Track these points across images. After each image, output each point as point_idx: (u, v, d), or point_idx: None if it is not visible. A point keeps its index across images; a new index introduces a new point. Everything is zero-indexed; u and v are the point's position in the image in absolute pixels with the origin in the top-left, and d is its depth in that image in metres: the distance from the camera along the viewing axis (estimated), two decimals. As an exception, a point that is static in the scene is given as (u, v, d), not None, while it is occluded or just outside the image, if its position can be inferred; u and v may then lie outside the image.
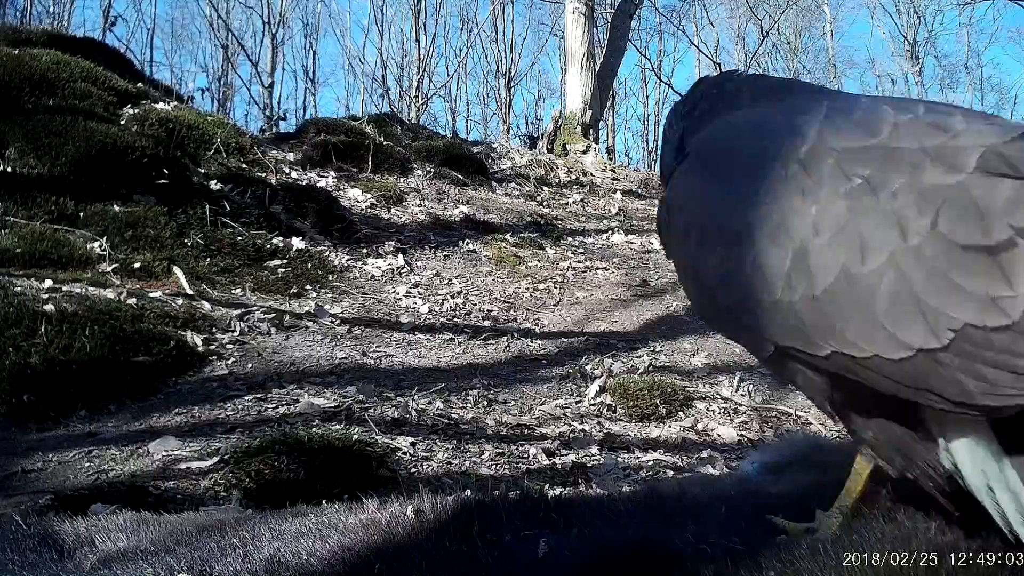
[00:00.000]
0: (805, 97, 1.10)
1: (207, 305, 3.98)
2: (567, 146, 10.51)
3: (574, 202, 8.31)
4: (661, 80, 24.58)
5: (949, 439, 0.84)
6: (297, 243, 5.25)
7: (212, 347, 3.58)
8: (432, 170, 7.86)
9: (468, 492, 1.63)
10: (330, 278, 4.96)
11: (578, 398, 3.57)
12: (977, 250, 0.73)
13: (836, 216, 0.83)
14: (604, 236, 7.11)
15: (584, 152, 10.33)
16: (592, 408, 3.47)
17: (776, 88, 1.17)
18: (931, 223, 0.76)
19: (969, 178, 0.76)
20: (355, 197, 6.67)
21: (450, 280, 5.36)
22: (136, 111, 6.33)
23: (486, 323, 4.64)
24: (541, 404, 3.45)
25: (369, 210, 6.50)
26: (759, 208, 0.90)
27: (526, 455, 2.83)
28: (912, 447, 0.88)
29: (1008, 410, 0.73)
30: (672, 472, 2.76)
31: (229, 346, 3.64)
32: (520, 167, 9.12)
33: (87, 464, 2.48)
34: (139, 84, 7.24)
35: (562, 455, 2.84)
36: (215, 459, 2.45)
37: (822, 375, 0.90)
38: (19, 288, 3.45)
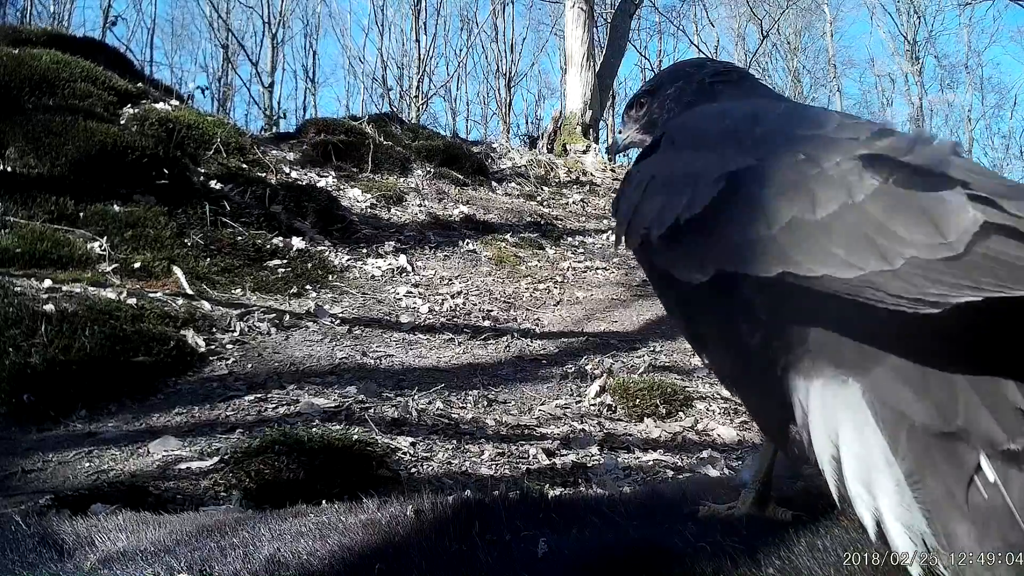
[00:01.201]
0: (768, 98, 1.26)
1: (207, 305, 3.98)
2: (567, 146, 10.52)
3: (574, 202, 8.31)
4: (661, 80, 24.53)
5: (808, 391, 0.91)
6: (297, 243, 5.25)
7: (212, 347, 3.58)
8: (432, 170, 7.86)
9: (468, 492, 1.63)
10: (330, 278, 4.96)
11: (578, 398, 3.57)
12: (917, 206, 0.85)
13: (785, 178, 0.94)
14: (604, 236, 7.11)
15: (584, 152, 10.33)
16: (592, 408, 3.47)
17: (747, 88, 1.33)
18: (875, 184, 0.88)
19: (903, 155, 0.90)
20: (355, 197, 6.67)
21: (450, 280, 5.36)
22: (136, 111, 6.33)
23: (486, 323, 4.64)
24: (541, 404, 3.45)
25: (369, 210, 6.50)
26: (712, 161, 1.02)
27: (526, 455, 2.83)
28: (773, 397, 0.96)
29: (940, 306, 0.80)
30: (672, 472, 2.76)
31: (229, 346, 3.64)
32: (520, 167, 9.12)
33: (87, 464, 2.48)
34: (139, 84, 7.24)
35: (562, 455, 2.84)
36: (215, 459, 2.45)
37: (743, 306, 0.99)
38: (19, 288, 3.45)
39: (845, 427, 0.87)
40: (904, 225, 0.85)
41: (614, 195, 1.30)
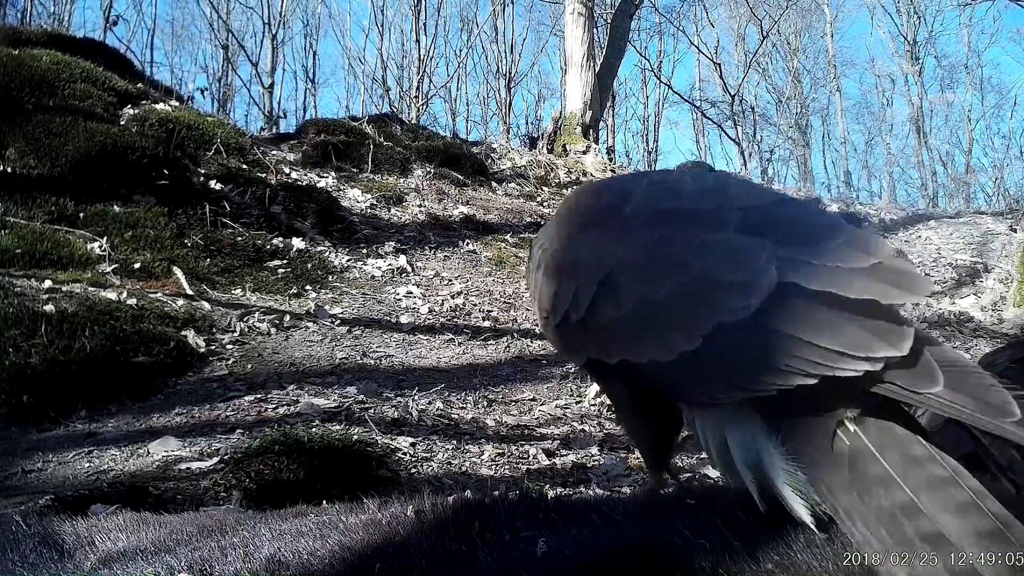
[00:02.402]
0: (640, 176, 1.41)
1: (207, 305, 3.98)
2: (567, 146, 10.52)
3: (574, 202, 8.31)
4: (661, 80, 24.60)
5: (702, 423, 1.07)
6: (297, 243, 5.25)
7: (212, 347, 3.58)
8: (432, 170, 7.86)
9: (468, 492, 1.63)
10: (330, 278, 4.96)
11: (578, 398, 3.56)
12: (733, 282, 0.98)
13: (642, 257, 1.08)
14: (604, 236, 7.11)
15: (584, 152, 10.34)
16: (592, 408, 3.47)
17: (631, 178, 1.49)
18: (701, 266, 1.02)
19: (730, 233, 1.04)
20: (355, 197, 6.67)
21: (450, 280, 5.36)
22: (136, 111, 6.33)
23: (486, 323, 4.64)
24: (541, 404, 3.45)
25: (369, 210, 6.50)
26: (588, 249, 1.16)
27: (526, 455, 2.83)
28: (661, 429, 1.17)
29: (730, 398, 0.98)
30: (672, 472, 2.75)
31: (229, 346, 3.64)
32: (520, 167, 9.12)
33: (87, 464, 2.48)
34: (139, 84, 7.24)
35: (562, 455, 2.84)
36: (215, 459, 2.45)
37: (614, 380, 1.18)
38: (19, 288, 3.45)
39: (730, 427, 1.01)
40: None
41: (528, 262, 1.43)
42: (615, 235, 1.13)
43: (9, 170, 4.81)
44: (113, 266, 4.16)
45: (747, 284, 0.96)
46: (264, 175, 6.35)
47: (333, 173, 7.16)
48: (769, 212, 1.07)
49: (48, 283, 3.62)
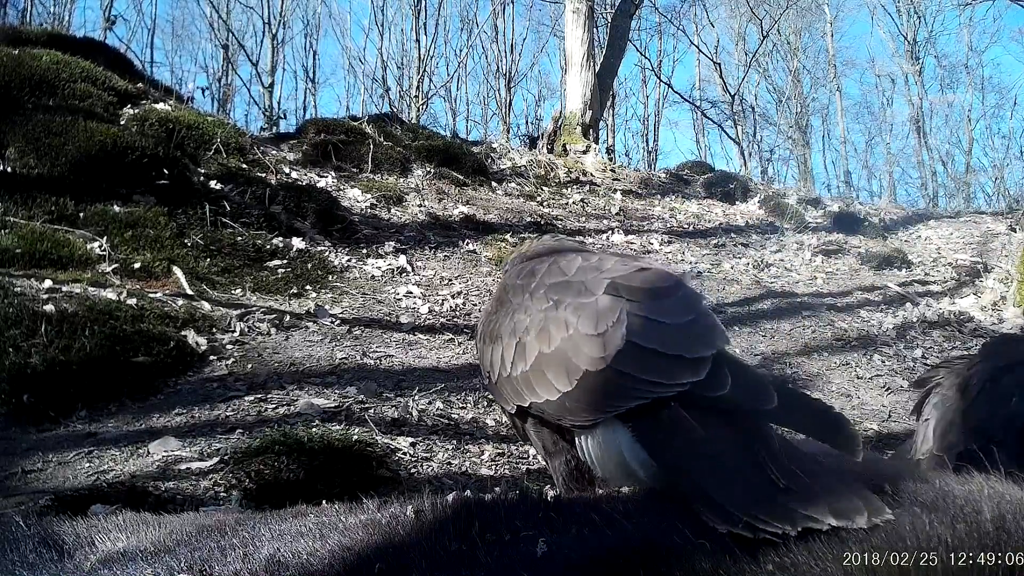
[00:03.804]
0: (551, 257, 1.70)
1: (207, 305, 3.98)
2: (567, 146, 10.51)
3: (574, 202, 8.31)
4: (661, 80, 24.59)
5: (584, 439, 1.39)
6: (297, 243, 5.25)
7: (212, 347, 3.58)
8: (432, 170, 7.86)
9: (468, 492, 1.63)
10: (330, 278, 4.96)
11: (578, 398, 3.56)
12: (591, 335, 1.35)
13: (539, 322, 1.45)
14: (604, 236, 7.11)
15: (584, 152, 10.33)
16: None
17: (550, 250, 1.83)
18: (576, 323, 1.38)
19: (598, 297, 1.40)
20: (355, 197, 6.67)
21: (450, 280, 5.36)
22: (136, 111, 6.33)
23: (486, 323, 4.64)
24: (541, 404, 3.44)
25: (369, 210, 6.50)
26: (506, 320, 1.54)
27: (526, 455, 2.83)
28: (565, 453, 1.49)
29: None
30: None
31: (229, 346, 3.64)
32: (520, 167, 9.12)
33: (87, 464, 2.48)
34: (139, 84, 7.24)
35: (562, 455, 2.83)
36: (215, 459, 2.45)
37: (529, 419, 1.51)
38: (19, 288, 3.45)
39: (601, 433, 1.35)
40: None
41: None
42: (523, 307, 1.51)
43: (9, 170, 4.81)
44: (113, 266, 4.16)
45: (603, 339, 1.33)
46: (264, 175, 6.35)
47: (333, 173, 7.16)
48: (628, 279, 1.43)
49: (48, 283, 3.62)
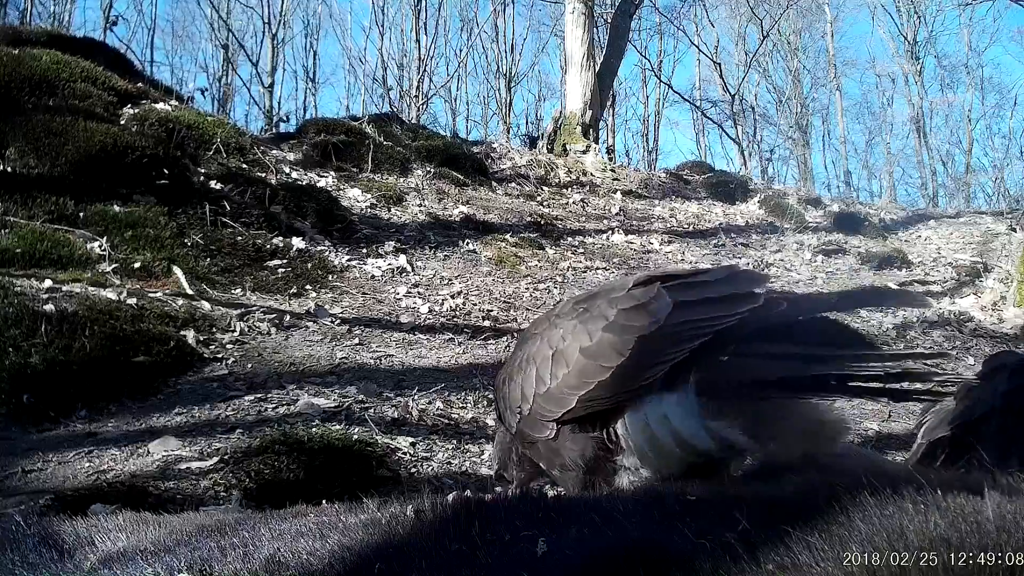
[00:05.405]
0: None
1: (207, 305, 3.98)
2: (567, 146, 10.51)
3: (574, 202, 8.31)
4: (661, 80, 24.58)
5: (630, 416, 1.44)
6: (297, 243, 5.24)
7: (212, 347, 3.58)
8: (432, 170, 7.85)
9: (468, 492, 1.63)
10: (330, 278, 4.96)
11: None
12: (634, 308, 1.45)
13: (573, 327, 1.51)
14: (604, 236, 7.11)
15: (584, 152, 10.33)
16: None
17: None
18: (614, 311, 1.46)
19: (629, 289, 1.49)
20: (355, 197, 6.67)
21: (450, 280, 5.36)
22: (136, 111, 6.32)
23: (486, 323, 4.64)
24: (541, 404, 3.44)
25: (369, 210, 6.50)
26: (531, 349, 1.61)
27: (526, 455, 2.83)
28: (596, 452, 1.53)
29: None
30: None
31: (229, 346, 3.64)
32: (520, 167, 9.11)
33: (87, 464, 2.48)
34: (139, 84, 7.23)
35: (562, 455, 2.83)
36: (215, 459, 2.45)
37: (557, 436, 1.57)
38: (19, 288, 3.45)
39: (671, 413, 1.42)
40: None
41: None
42: (552, 326, 1.59)
43: (9, 170, 4.81)
44: (113, 266, 4.16)
45: (647, 309, 1.43)
46: (264, 175, 6.35)
47: (333, 173, 7.16)
48: (656, 274, 1.54)
49: (48, 283, 3.62)
